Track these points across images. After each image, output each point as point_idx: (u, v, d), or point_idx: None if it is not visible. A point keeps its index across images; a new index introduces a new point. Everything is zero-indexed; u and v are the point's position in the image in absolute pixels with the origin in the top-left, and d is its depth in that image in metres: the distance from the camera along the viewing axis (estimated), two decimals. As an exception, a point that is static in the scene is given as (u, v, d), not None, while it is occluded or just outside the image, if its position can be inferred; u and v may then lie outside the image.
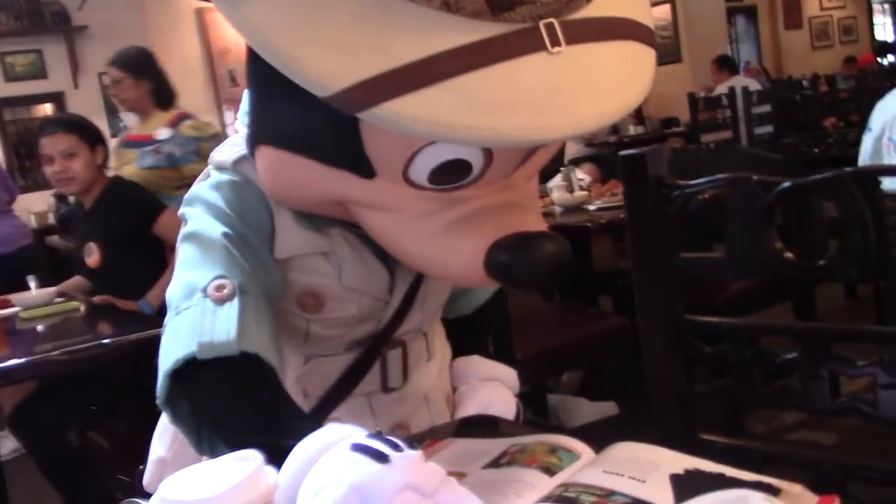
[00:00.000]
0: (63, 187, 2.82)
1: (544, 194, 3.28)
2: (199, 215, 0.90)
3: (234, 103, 6.62)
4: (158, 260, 2.86)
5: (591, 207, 2.99)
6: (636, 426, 1.31)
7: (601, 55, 0.70)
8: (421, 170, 0.75)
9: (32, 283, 2.67)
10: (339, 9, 0.67)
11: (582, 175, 3.40)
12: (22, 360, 2.00)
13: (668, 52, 8.37)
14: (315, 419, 0.89)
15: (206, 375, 0.79)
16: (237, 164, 0.91)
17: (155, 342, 2.15)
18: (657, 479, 0.71)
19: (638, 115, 8.13)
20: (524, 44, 0.66)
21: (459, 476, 0.78)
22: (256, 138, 0.84)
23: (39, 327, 2.41)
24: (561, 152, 0.93)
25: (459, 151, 0.74)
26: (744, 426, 2.38)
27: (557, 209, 3.11)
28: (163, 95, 3.44)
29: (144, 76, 3.40)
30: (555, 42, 0.66)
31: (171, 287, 0.87)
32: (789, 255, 1.15)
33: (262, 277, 0.87)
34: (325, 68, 0.65)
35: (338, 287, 0.94)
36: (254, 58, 0.78)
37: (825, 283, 2.92)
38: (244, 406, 0.79)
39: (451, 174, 0.76)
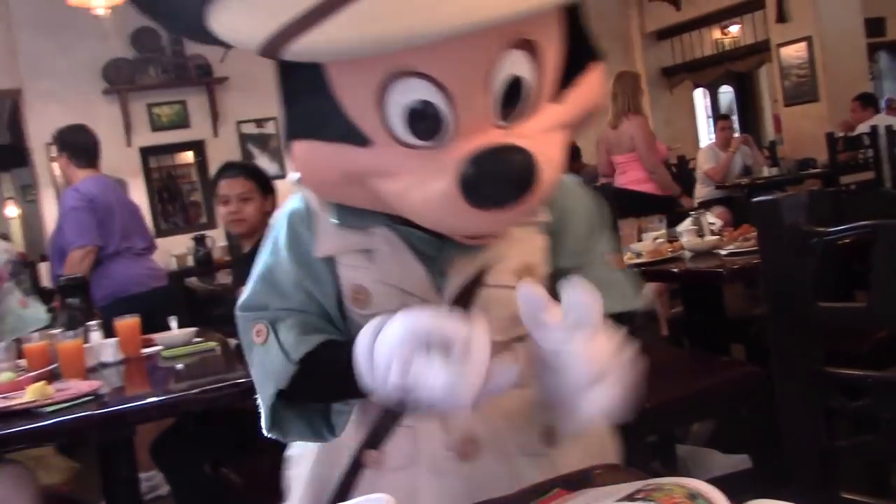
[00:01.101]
0: (232, 227, 2.97)
1: (674, 238, 3.21)
2: (266, 247, 1.09)
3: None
4: None
5: (723, 252, 2.90)
6: (771, 481, 1.26)
7: None
8: (397, 122, 0.84)
9: (174, 323, 2.79)
10: None
11: (713, 219, 3.31)
12: (161, 398, 2.09)
13: (804, 91, 8.09)
14: (387, 418, 1.05)
15: (302, 383, 1.02)
16: (299, 180, 1.05)
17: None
18: None
19: (772, 156, 7.88)
20: None
21: None
22: (285, 140, 0.94)
23: (179, 366, 2.52)
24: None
25: (417, 93, 0.82)
26: (889, 485, 2.24)
27: (687, 254, 3.04)
28: None
29: None
30: None
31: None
32: (939, 305, 1.09)
33: (299, 295, 1.05)
34: (250, 27, 0.79)
35: (378, 283, 1.02)
36: (275, 67, 0.92)
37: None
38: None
39: (428, 122, 0.83)
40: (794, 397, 1.24)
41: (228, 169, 3.02)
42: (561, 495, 0.90)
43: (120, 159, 6.45)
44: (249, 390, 2.10)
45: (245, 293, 1.08)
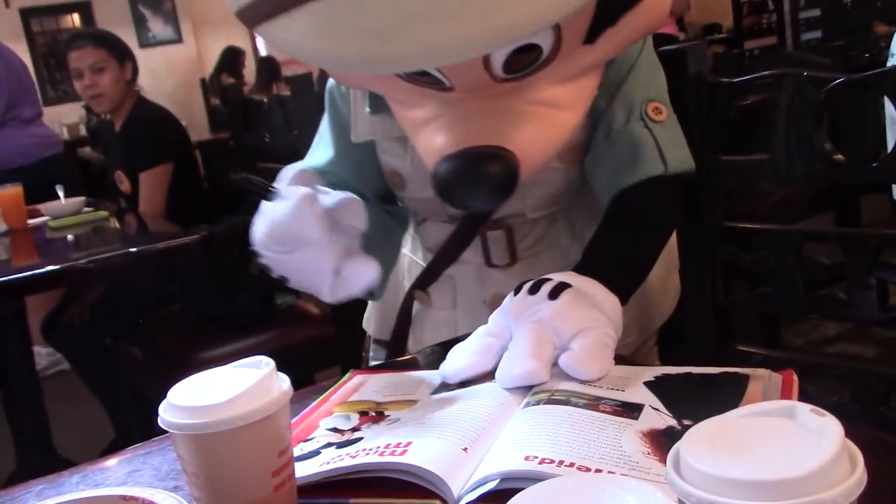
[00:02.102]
0: (93, 104, 2.76)
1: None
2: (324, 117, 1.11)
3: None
4: (189, 183, 2.79)
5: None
6: (669, 336, 1.28)
7: None
8: None
9: (60, 193, 2.66)
10: None
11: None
12: (51, 268, 1.99)
13: (711, -45, 8.04)
14: (429, 273, 1.11)
15: None
16: None
17: (182, 251, 2.15)
18: (634, 387, 0.73)
19: (678, 22, 7.88)
20: None
21: (411, 403, 0.78)
22: None
23: (69, 236, 2.41)
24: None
25: None
26: (781, 338, 2.33)
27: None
28: None
29: None
30: None
31: None
32: (839, 156, 1.08)
33: (333, 163, 1.08)
34: None
35: (412, 170, 1.02)
36: None
37: (870, 194, 2.82)
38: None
39: (423, 75, 0.77)
40: (693, 251, 1.24)
41: (75, 39, 2.80)
42: (356, 374, 0.89)
43: (-2, 21, 6.02)
44: (143, 258, 2.03)
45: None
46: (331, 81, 1.08)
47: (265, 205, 0.85)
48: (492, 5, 0.61)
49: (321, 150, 1.11)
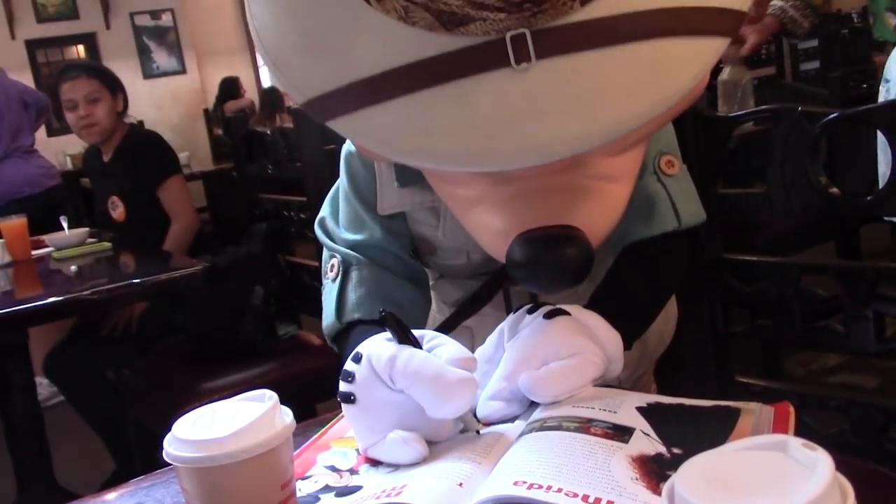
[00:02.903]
0: (85, 136, 2.77)
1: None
2: (341, 181, 1.06)
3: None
4: None
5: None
6: (669, 366, 1.29)
7: (587, 66, 0.60)
8: None
9: (64, 224, 2.67)
10: (315, 14, 0.65)
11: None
12: (54, 300, 2.00)
13: (710, -13, 8.13)
14: (446, 325, 1.08)
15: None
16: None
17: (186, 281, 2.15)
18: (626, 410, 0.73)
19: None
20: (482, 60, 0.60)
21: None
22: None
23: (72, 267, 2.42)
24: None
25: None
26: (782, 369, 2.34)
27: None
28: None
29: None
30: (522, 57, 0.59)
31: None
32: (834, 190, 1.10)
33: (367, 240, 1.02)
34: (296, 78, 0.66)
35: (444, 239, 1.00)
36: None
37: (870, 224, 2.84)
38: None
39: None
40: (692, 283, 1.25)
41: (68, 70, 2.82)
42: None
43: (4, 53, 6.08)
44: (147, 290, 2.05)
45: (323, 209, 1.08)
46: (347, 147, 1.04)
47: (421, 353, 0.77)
48: (598, 102, 0.60)
49: (349, 219, 1.06)
